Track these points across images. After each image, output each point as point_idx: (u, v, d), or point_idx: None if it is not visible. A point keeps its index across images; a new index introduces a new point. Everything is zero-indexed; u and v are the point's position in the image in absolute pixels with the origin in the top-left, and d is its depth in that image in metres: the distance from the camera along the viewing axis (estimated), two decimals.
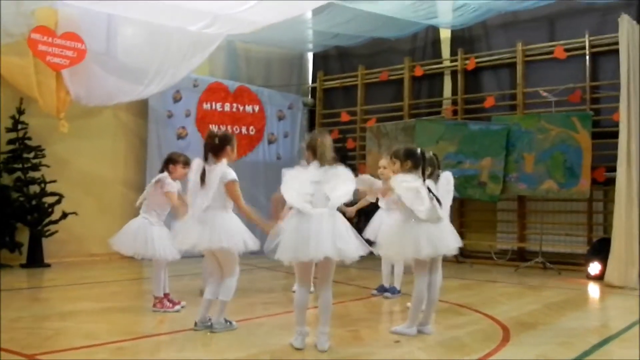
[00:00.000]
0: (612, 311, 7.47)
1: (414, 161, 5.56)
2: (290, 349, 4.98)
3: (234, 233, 5.44)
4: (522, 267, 10.58)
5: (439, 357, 4.88)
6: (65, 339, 5.28)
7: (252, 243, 5.45)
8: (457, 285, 8.71)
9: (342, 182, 5.00)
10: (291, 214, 5.00)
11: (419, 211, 5.33)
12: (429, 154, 6.12)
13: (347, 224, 5.01)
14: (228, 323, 5.60)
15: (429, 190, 5.47)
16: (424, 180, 5.54)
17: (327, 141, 5.12)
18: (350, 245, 4.88)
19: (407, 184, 5.41)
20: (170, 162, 6.63)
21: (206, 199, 5.42)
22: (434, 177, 5.85)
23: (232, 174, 5.48)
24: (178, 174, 6.52)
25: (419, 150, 5.67)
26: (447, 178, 6.06)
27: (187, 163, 6.38)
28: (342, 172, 5.04)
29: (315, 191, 4.94)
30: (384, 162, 7.12)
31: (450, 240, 5.54)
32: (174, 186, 6.48)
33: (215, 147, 5.57)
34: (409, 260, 5.60)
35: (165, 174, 6.56)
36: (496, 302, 7.48)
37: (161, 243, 6.32)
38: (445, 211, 5.71)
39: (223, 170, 5.47)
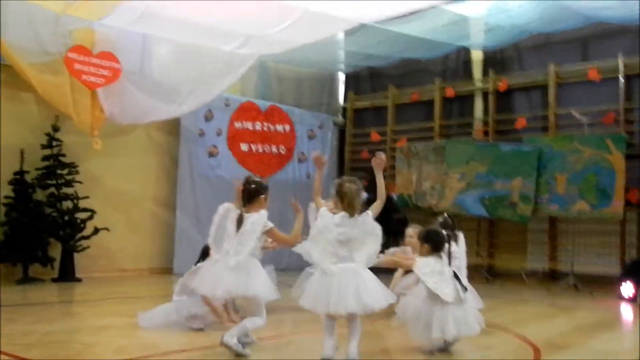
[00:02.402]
0: None
1: (433, 244, 5.60)
2: None
3: (267, 281, 5.41)
4: (554, 288, 10.45)
5: None
6: (96, 354, 5.33)
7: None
8: (488, 306, 8.54)
9: (369, 241, 5.02)
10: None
11: (444, 294, 5.35)
12: (443, 216, 6.46)
13: (373, 276, 5.03)
14: (240, 345, 5.37)
15: (455, 274, 5.54)
16: (449, 261, 5.62)
17: (355, 188, 5.11)
18: (376, 297, 4.90)
19: (430, 268, 5.46)
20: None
21: (245, 247, 5.34)
22: (453, 238, 6.01)
23: (270, 222, 5.47)
24: None
25: (441, 232, 5.74)
26: (462, 239, 6.28)
27: None
28: (371, 228, 5.02)
29: (340, 248, 4.97)
30: (411, 231, 7.24)
31: (472, 323, 5.51)
32: None
33: (250, 193, 5.56)
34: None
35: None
36: (527, 323, 7.41)
37: None
38: (463, 269, 5.80)
39: (264, 219, 5.44)
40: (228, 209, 5.60)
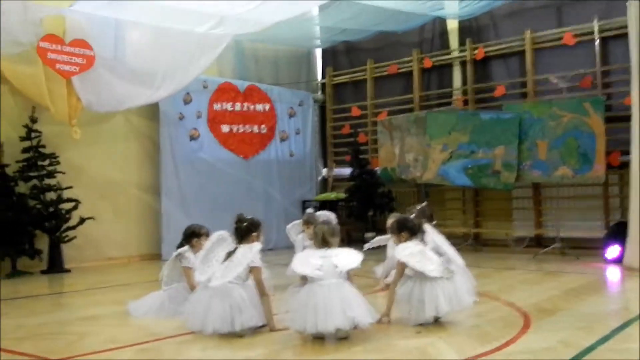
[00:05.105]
0: (632, 294, 7.41)
1: (409, 230, 5.82)
2: (311, 342, 5.03)
3: (257, 306, 5.42)
4: (540, 254, 10.55)
5: (460, 346, 4.89)
6: (90, 343, 5.33)
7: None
8: (476, 274, 8.55)
9: (349, 253, 5.29)
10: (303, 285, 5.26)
11: (430, 270, 5.49)
12: (422, 205, 6.72)
13: (356, 291, 5.19)
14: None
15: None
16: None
17: (327, 229, 5.41)
18: (361, 312, 5.03)
19: (409, 251, 5.62)
20: (194, 236, 6.50)
21: (231, 272, 5.37)
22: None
23: (260, 261, 5.49)
24: (201, 248, 6.10)
25: (412, 217, 6.04)
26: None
27: (208, 235, 6.16)
28: (350, 249, 5.36)
29: (323, 262, 5.16)
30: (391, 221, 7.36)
31: (464, 296, 5.65)
32: (192, 262, 6.19)
33: (242, 232, 5.62)
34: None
35: (186, 247, 6.45)
36: (515, 289, 7.49)
37: None
38: (456, 256, 5.87)
39: (255, 255, 5.46)
40: (222, 237, 5.68)
